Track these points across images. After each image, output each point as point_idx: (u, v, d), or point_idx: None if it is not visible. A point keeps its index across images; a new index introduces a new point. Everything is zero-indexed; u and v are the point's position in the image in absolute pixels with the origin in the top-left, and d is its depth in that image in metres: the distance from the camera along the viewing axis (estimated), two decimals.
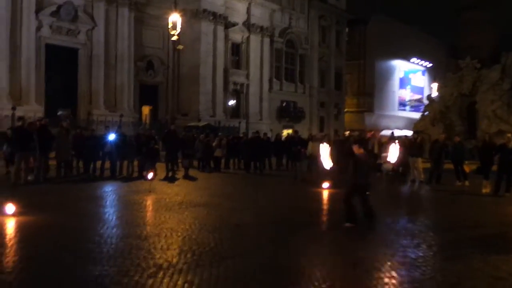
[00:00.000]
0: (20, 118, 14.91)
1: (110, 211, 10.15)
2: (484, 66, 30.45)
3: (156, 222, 8.93)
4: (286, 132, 40.62)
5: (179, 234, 7.82)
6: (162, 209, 10.26)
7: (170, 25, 28.70)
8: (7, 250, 6.67)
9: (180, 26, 29.36)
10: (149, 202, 11.46)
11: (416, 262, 6.56)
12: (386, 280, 5.70)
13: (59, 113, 16.05)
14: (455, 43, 40.65)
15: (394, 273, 6.00)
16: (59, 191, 13.21)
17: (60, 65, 34.28)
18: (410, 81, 63.83)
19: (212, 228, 8.34)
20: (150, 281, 5.37)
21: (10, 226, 8.13)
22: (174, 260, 6.23)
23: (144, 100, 39.73)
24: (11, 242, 7.25)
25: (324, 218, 10.23)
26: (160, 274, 5.61)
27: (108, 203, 11.29)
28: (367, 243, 7.76)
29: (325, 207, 11.86)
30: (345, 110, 56.36)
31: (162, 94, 39.99)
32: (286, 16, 48.34)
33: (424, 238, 8.17)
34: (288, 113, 48.41)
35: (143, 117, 39.39)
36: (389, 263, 6.44)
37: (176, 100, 39.91)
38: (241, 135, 24.77)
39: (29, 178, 13.73)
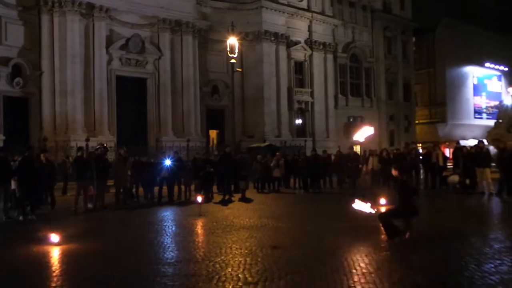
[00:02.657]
0: (80, 149, 15.71)
1: (153, 236, 10.34)
2: None
3: (191, 247, 9.00)
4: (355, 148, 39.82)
5: (210, 259, 7.80)
6: (204, 234, 10.35)
7: (228, 49, 29.24)
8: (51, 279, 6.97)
9: (239, 49, 29.89)
10: (194, 226, 11.61)
11: None
12: None
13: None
14: None
15: None
16: (113, 218, 13.75)
17: (130, 95, 36.02)
18: (486, 87, 60.44)
19: (246, 252, 8.26)
20: None
21: (56, 255, 8.51)
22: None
23: (211, 124, 40.61)
24: (57, 272, 7.56)
25: (369, 238, 9.78)
26: None
27: (155, 228, 11.52)
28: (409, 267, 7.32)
29: (373, 224, 11.33)
30: (416, 122, 54.32)
31: (228, 117, 40.65)
32: (349, 31, 47.78)
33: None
34: (355, 128, 47.41)
35: (210, 141, 40.24)
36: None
37: (241, 122, 40.44)
38: (298, 154, 24.49)
39: (89, 206, 14.39)
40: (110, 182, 16.24)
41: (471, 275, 6.78)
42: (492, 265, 7.22)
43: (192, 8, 37.68)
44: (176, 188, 17.21)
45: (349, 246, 8.80)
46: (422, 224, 9.60)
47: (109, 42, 34.24)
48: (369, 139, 20.66)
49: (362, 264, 7.36)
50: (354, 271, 6.96)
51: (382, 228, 9.17)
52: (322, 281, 6.42)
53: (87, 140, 28.77)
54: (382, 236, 9.67)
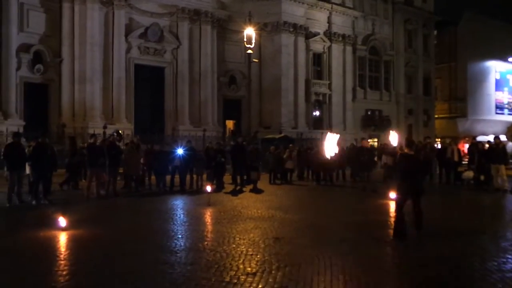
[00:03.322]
0: (92, 136, 15.91)
1: (160, 224, 10.44)
2: None
3: (195, 236, 9.10)
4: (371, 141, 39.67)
5: (212, 248, 7.88)
6: (210, 223, 10.43)
7: (245, 39, 29.20)
8: (55, 264, 7.12)
9: (257, 40, 29.82)
10: (202, 215, 11.69)
11: None
12: None
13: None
14: None
15: None
16: (123, 204, 13.94)
17: (148, 84, 36.27)
18: (508, 82, 59.23)
19: (249, 243, 8.31)
20: None
21: (63, 240, 8.69)
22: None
23: (227, 114, 40.70)
24: (61, 256, 7.73)
25: (374, 233, 9.74)
26: None
27: (162, 216, 11.62)
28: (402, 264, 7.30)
29: (381, 219, 11.25)
30: (436, 116, 53.59)
31: (245, 108, 40.72)
32: (369, 23, 47.21)
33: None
34: (373, 121, 47.04)
35: (227, 131, 40.35)
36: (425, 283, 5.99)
37: (258, 113, 40.45)
38: (311, 146, 24.38)
39: (102, 192, 14.60)
40: (121, 170, 16.43)
41: (472, 273, 6.73)
42: (496, 263, 7.15)
43: None
44: (188, 177, 17.33)
45: (353, 240, 8.80)
46: (431, 220, 9.51)
47: (128, 30, 34.49)
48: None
49: (363, 259, 7.36)
50: (353, 265, 6.96)
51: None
52: (320, 275, 6.44)
53: (105, 127, 29.07)
54: (390, 231, 9.63)
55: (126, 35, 34.31)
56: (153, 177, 17.51)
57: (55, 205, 12.60)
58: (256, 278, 6.19)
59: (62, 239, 8.67)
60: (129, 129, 31.94)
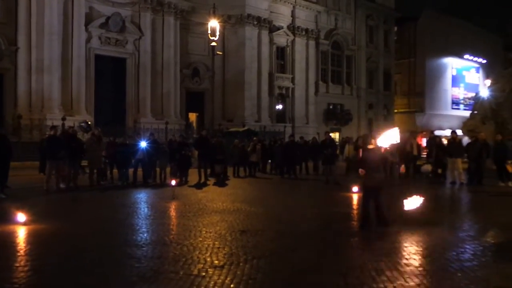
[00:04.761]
0: (52, 127, 15.47)
1: (124, 218, 10.28)
2: None
3: (160, 230, 9.01)
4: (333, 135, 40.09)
5: (178, 242, 7.82)
6: (176, 217, 10.35)
7: (209, 31, 28.98)
8: (15, 259, 6.90)
9: (221, 32, 29.63)
10: (166, 209, 11.57)
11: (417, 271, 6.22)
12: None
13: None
14: (508, 35, 38.61)
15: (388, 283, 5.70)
16: (85, 198, 13.67)
17: (109, 75, 35.54)
18: (464, 78, 61.19)
19: (215, 236, 8.30)
20: None
21: (22, 235, 8.43)
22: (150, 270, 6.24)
23: (190, 107, 40.38)
24: (22, 252, 7.50)
25: (338, 225, 9.89)
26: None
27: (126, 209, 11.43)
28: (365, 252, 7.44)
29: (345, 211, 11.44)
30: (395, 111, 54.85)
31: (208, 101, 40.37)
32: (331, 18, 47.74)
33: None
34: (335, 116, 47.74)
35: (190, 124, 40.02)
36: (387, 273, 6.13)
37: (221, 106, 40.30)
38: (275, 140, 24.52)
39: (61, 185, 14.24)
40: (84, 163, 16.07)
41: (432, 263, 6.92)
42: (455, 253, 7.38)
43: None
44: (152, 170, 17.11)
45: (317, 232, 8.93)
46: (391, 212, 9.73)
47: (89, 20, 33.63)
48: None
49: (327, 250, 7.49)
50: (319, 256, 7.07)
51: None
52: (286, 267, 6.50)
53: (64, 119, 28.21)
54: (353, 223, 9.83)
55: (86, 25, 33.46)
56: (115, 170, 17.20)
57: (13, 198, 12.20)
58: (224, 271, 6.19)
59: (22, 234, 8.40)
60: (89, 121, 31.21)
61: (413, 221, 9.95)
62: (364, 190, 9.24)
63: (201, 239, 8.04)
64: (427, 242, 8.21)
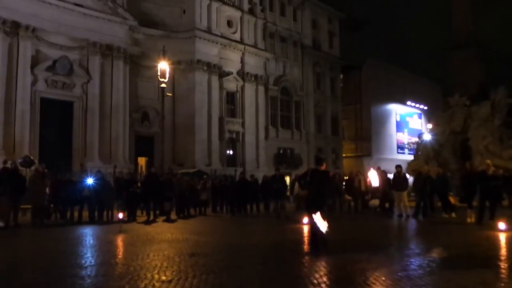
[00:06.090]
0: None
1: (67, 247, 9.86)
2: (473, 103, 30.46)
3: (106, 255, 8.72)
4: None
5: (124, 263, 7.57)
6: (123, 245, 10.02)
7: (159, 73, 29.11)
8: None
9: (172, 75, 29.86)
10: (113, 240, 11.19)
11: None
12: None
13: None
14: (445, 82, 40.93)
15: None
16: (26, 234, 13.04)
17: (55, 118, 34.69)
18: (408, 124, 63.91)
19: (163, 258, 8.09)
20: None
21: None
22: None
23: (140, 151, 39.75)
24: None
25: (286, 248, 9.87)
26: None
27: (70, 242, 10.99)
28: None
29: (295, 238, 11.43)
30: (343, 155, 56.18)
31: (158, 145, 39.97)
32: (280, 64, 49.09)
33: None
34: (285, 159, 48.22)
35: (139, 168, 39.31)
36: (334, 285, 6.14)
37: (172, 150, 39.98)
38: (225, 178, 24.50)
39: (0, 224, 13.46)
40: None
41: (381, 273, 7.00)
42: (401, 265, 7.53)
43: (124, 33, 37.36)
44: (97, 209, 16.56)
45: (267, 254, 8.87)
46: (339, 237, 9.84)
47: (35, 62, 33.03)
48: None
49: (277, 268, 7.45)
50: (266, 270, 7.02)
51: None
52: (235, 280, 6.40)
53: (5, 162, 26.93)
54: (304, 246, 9.82)
55: (32, 68, 32.84)
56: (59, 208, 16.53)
57: None
58: (172, 284, 6.02)
59: None
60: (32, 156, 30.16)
61: (363, 243, 10.11)
62: (310, 207, 9.21)
63: (148, 261, 7.83)
64: (375, 258, 8.30)
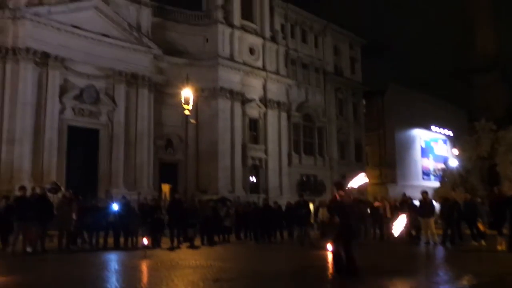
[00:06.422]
0: (21, 188, 15.13)
1: (93, 272, 9.90)
2: (500, 127, 30.02)
3: (131, 280, 8.72)
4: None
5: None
6: (147, 271, 10.03)
7: (182, 100, 29.42)
8: None
9: (195, 103, 30.11)
10: (138, 265, 11.22)
11: None
12: None
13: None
14: (469, 106, 40.41)
15: None
16: (53, 259, 13.14)
17: (82, 146, 35.27)
18: (433, 150, 63.03)
19: (188, 283, 8.07)
20: None
21: None
22: None
23: (164, 178, 39.97)
24: None
25: (312, 272, 9.73)
26: None
27: (95, 266, 11.04)
28: None
29: (320, 264, 11.28)
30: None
31: (182, 172, 40.19)
32: (302, 91, 49.28)
33: None
34: (308, 186, 47.90)
35: (163, 195, 39.54)
36: None
37: (195, 177, 40.11)
38: (249, 205, 24.42)
39: (28, 249, 13.63)
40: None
41: None
42: None
43: (149, 62, 38.11)
44: (123, 234, 16.67)
45: (292, 276, 8.75)
46: (365, 264, 9.66)
47: (63, 91, 33.83)
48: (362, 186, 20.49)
49: None
50: None
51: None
52: None
53: (33, 189, 27.43)
54: (329, 272, 9.67)
55: (61, 96, 33.65)
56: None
57: None
58: None
59: None
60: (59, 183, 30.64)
61: (390, 270, 9.92)
62: (336, 236, 9.16)
63: (173, 285, 7.82)
64: (402, 285, 8.13)
